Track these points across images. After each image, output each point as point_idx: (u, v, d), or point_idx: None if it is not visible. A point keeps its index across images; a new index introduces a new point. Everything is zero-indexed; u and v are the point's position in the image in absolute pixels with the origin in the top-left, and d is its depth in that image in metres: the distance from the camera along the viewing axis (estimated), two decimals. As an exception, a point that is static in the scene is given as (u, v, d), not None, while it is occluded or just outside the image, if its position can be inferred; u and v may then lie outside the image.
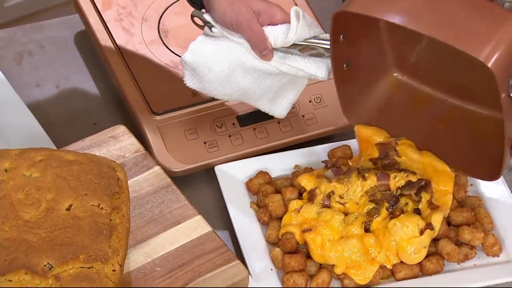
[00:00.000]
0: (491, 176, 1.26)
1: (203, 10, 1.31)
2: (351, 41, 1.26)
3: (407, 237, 1.27)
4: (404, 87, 1.35)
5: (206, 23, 1.30)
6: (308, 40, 1.27)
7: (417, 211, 1.30)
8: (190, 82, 1.33)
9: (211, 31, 1.30)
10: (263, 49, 1.26)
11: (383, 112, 1.35)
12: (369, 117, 1.35)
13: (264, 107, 1.35)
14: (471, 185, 1.38)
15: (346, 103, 1.33)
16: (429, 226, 1.28)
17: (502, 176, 1.37)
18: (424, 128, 1.34)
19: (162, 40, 1.50)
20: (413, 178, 1.32)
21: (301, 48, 1.28)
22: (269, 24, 1.27)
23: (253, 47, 1.27)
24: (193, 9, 1.33)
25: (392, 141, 1.35)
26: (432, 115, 1.33)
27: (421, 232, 1.27)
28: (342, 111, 1.33)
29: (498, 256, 1.30)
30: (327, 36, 1.26)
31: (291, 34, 1.26)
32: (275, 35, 1.27)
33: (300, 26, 1.26)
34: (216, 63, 1.29)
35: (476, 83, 1.29)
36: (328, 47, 1.26)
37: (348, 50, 1.27)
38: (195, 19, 1.33)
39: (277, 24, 1.27)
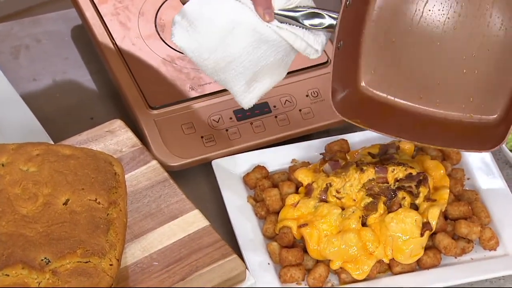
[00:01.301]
0: (492, 144, 1.23)
1: None
2: (354, 12, 1.25)
3: (406, 236, 1.27)
4: (374, 97, 1.33)
5: None
6: (311, 7, 1.26)
7: (414, 206, 1.30)
8: (182, 40, 1.26)
9: None
10: (266, 7, 1.24)
11: (363, 108, 1.32)
12: (352, 111, 1.31)
13: (238, 89, 1.30)
14: (468, 178, 1.38)
15: (335, 89, 1.29)
16: (427, 226, 1.28)
17: (499, 170, 1.37)
18: (408, 124, 1.31)
19: (159, 34, 1.49)
20: (413, 172, 1.32)
21: (301, 16, 1.25)
22: None
23: (257, 4, 1.24)
24: None
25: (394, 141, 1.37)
26: (406, 121, 1.32)
27: (421, 234, 1.27)
28: (330, 95, 1.28)
29: (495, 250, 1.30)
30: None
31: None
32: None
33: None
34: (218, 17, 1.24)
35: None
36: (332, 15, 1.24)
37: (348, 23, 1.25)
38: None
39: None
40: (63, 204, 1.18)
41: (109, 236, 1.17)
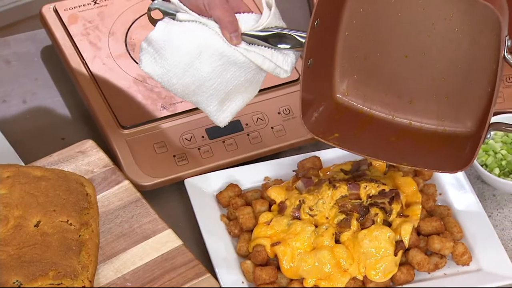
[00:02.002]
0: (461, 167, 1.23)
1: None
2: (322, 30, 1.25)
3: (379, 252, 1.27)
4: (347, 108, 1.34)
5: (166, 14, 1.26)
6: (279, 27, 1.26)
7: (387, 223, 1.30)
8: (149, 67, 1.27)
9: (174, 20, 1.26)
10: (233, 30, 1.24)
11: (333, 126, 1.32)
12: (321, 128, 1.31)
13: (211, 109, 1.30)
14: (440, 194, 1.38)
15: (305, 107, 1.29)
16: (401, 245, 1.28)
17: (470, 185, 1.38)
18: (376, 140, 1.31)
19: (129, 54, 1.49)
20: (386, 188, 1.32)
21: (269, 36, 1.25)
22: (236, 13, 1.26)
23: (223, 27, 1.24)
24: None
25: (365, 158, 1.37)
26: (381, 131, 1.32)
27: (395, 253, 1.27)
28: (300, 114, 1.28)
29: (468, 265, 1.30)
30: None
31: (263, 19, 1.25)
32: (245, 20, 1.25)
33: (272, 13, 1.25)
34: (184, 43, 1.25)
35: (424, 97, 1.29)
36: (300, 34, 1.24)
37: (317, 41, 1.25)
38: (153, 13, 1.27)
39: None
40: (35, 226, 1.18)
41: (81, 257, 1.17)
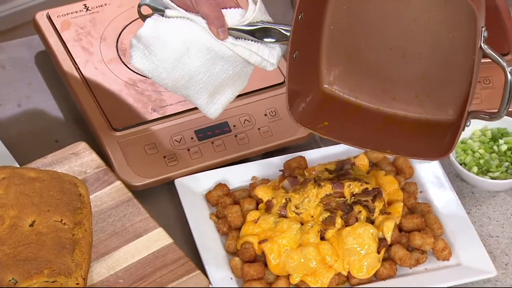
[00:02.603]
0: (442, 154, 1.24)
1: None
2: (307, 23, 1.26)
3: (362, 248, 1.28)
4: (334, 97, 1.34)
5: (156, 10, 1.27)
6: (265, 22, 1.26)
7: (370, 221, 1.31)
8: (139, 62, 1.27)
9: (163, 17, 1.27)
10: (219, 26, 1.24)
11: (321, 116, 1.32)
12: (309, 118, 1.31)
13: (202, 102, 1.31)
14: (421, 192, 1.39)
15: (291, 98, 1.29)
16: (384, 242, 1.29)
17: (450, 183, 1.39)
18: (363, 128, 1.32)
19: (120, 59, 1.50)
20: (369, 187, 1.33)
21: (255, 30, 1.26)
22: (222, 8, 1.26)
23: (210, 23, 1.25)
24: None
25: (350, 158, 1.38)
26: (367, 119, 1.32)
27: (378, 251, 1.28)
28: (287, 106, 1.28)
29: (448, 260, 1.31)
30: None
31: (249, 14, 1.25)
32: (231, 15, 1.25)
33: (258, 7, 1.26)
34: (172, 39, 1.25)
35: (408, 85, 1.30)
36: (285, 28, 1.25)
37: (301, 34, 1.26)
38: (142, 8, 1.28)
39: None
40: (29, 226, 1.17)
41: (75, 255, 1.17)
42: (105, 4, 1.56)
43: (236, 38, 1.26)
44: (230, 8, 1.26)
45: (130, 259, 1.24)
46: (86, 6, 1.55)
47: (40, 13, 1.54)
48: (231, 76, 1.29)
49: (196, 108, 1.44)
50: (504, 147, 1.42)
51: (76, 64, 1.48)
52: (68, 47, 1.50)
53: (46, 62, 1.56)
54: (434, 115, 1.30)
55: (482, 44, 1.17)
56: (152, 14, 1.27)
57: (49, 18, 1.53)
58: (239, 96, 1.45)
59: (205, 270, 1.28)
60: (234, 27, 1.25)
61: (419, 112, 1.30)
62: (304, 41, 1.27)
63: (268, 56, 1.27)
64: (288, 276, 1.28)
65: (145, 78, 1.47)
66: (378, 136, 1.30)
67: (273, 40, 1.26)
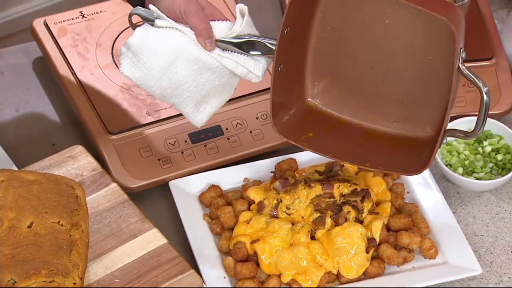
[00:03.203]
0: (419, 170, 1.25)
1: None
2: (292, 38, 1.26)
3: (352, 247, 1.28)
4: (317, 111, 1.34)
5: (146, 19, 1.27)
6: (252, 35, 1.27)
7: (358, 221, 1.32)
8: (128, 70, 1.28)
9: (152, 27, 1.27)
10: (207, 37, 1.25)
11: (304, 128, 1.33)
12: (292, 130, 1.32)
13: (188, 111, 1.31)
14: (408, 192, 1.40)
15: (275, 110, 1.30)
16: (373, 242, 1.30)
17: (436, 184, 1.40)
18: (344, 142, 1.32)
19: (115, 64, 1.50)
20: (358, 188, 1.34)
21: (242, 43, 1.26)
22: (210, 20, 1.27)
23: (198, 34, 1.25)
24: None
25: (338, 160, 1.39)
26: (349, 133, 1.33)
27: (367, 251, 1.29)
28: (270, 117, 1.29)
29: (434, 258, 1.32)
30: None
31: (236, 27, 1.26)
32: (219, 27, 1.26)
33: (245, 21, 1.26)
34: (161, 48, 1.25)
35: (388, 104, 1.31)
36: (271, 42, 1.26)
37: (287, 48, 1.27)
38: (133, 18, 1.29)
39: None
40: (28, 227, 1.17)
41: (72, 256, 1.17)
42: (101, 11, 1.56)
43: (223, 50, 1.26)
44: (218, 20, 1.26)
45: (126, 259, 1.24)
46: (82, 13, 1.56)
47: (38, 20, 1.54)
48: (217, 87, 1.29)
49: (189, 112, 1.45)
50: (488, 149, 1.43)
51: (73, 70, 1.48)
52: (65, 53, 1.50)
53: (44, 67, 1.56)
54: (413, 132, 1.30)
55: (460, 65, 1.18)
56: (142, 24, 1.27)
57: (46, 25, 1.54)
58: (231, 100, 1.45)
59: (198, 270, 1.29)
60: (221, 39, 1.26)
61: (399, 129, 1.31)
62: (289, 55, 1.28)
63: (254, 68, 1.27)
64: (279, 275, 1.29)
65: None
66: (358, 149, 1.31)
67: (259, 53, 1.27)
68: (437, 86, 1.25)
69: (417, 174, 1.25)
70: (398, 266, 1.31)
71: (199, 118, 1.31)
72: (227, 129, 1.44)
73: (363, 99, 1.32)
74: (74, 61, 1.49)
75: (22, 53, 1.59)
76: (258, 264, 1.30)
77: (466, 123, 1.45)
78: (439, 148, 1.23)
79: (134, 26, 1.28)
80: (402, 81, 1.28)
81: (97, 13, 1.56)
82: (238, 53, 1.27)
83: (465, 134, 1.23)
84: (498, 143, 1.44)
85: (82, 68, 1.49)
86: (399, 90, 1.29)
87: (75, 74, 1.48)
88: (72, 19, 1.55)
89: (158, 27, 1.26)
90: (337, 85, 1.33)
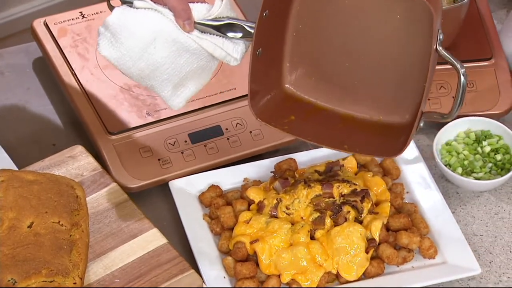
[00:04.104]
0: (395, 153, 1.25)
1: None
2: (271, 23, 1.26)
3: (351, 247, 1.28)
4: (295, 97, 1.34)
5: (125, 2, 1.26)
6: (231, 17, 1.27)
7: (358, 221, 1.32)
8: (106, 50, 1.27)
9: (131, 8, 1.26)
10: (186, 18, 1.24)
11: (282, 113, 1.32)
12: (271, 114, 1.31)
13: (166, 94, 1.30)
14: (407, 192, 1.40)
15: (253, 94, 1.28)
16: (373, 242, 1.29)
17: (435, 183, 1.39)
18: (322, 127, 1.32)
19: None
20: (357, 188, 1.33)
21: (221, 26, 1.26)
22: (189, 2, 1.26)
23: (177, 16, 1.25)
24: None
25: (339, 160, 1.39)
26: (327, 119, 1.32)
27: (367, 251, 1.29)
28: (248, 100, 1.28)
29: (434, 258, 1.32)
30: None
31: (215, 8, 1.26)
32: (198, 9, 1.26)
33: (224, 3, 1.26)
34: (139, 28, 1.25)
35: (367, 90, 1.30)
36: (250, 25, 1.25)
37: (266, 33, 1.26)
38: (112, 1, 1.28)
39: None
40: (28, 227, 1.18)
41: (72, 256, 1.17)
42: (101, 12, 1.56)
43: (202, 32, 1.26)
44: (197, 2, 1.26)
45: (126, 259, 1.24)
46: (82, 14, 1.56)
47: (38, 21, 1.54)
48: (196, 70, 1.28)
49: (189, 112, 1.45)
50: (487, 149, 1.43)
51: (73, 70, 1.48)
52: (65, 53, 1.50)
53: (44, 68, 1.56)
54: (391, 119, 1.30)
55: (437, 46, 1.17)
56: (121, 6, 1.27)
57: (46, 25, 1.53)
58: (231, 100, 1.46)
59: (198, 269, 1.29)
60: (200, 21, 1.26)
61: (376, 115, 1.30)
62: (268, 39, 1.28)
63: (232, 51, 1.27)
64: (279, 275, 1.29)
65: (140, 83, 1.47)
66: (337, 134, 1.30)
67: (238, 36, 1.26)
68: (415, 71, 1.24)
69: (394, 157, 1.24)
70: (398, 266, 1.31)
71: (177, 101, 1.31)
72: (227, 129, 1.44)
73: (341, 86, 1.31)
74: (74, 61, 1.49)
75: (22, 53, 1.59)
76: (258, 264, 1.29)
77: (466, 123, 1.45)
78: (416, 130, 1.22)
79: (112, 7, 1.27)
80: (379, 67, 1.28)
81: (97, 13, 1.56)
82: (216, 35, 1.26)
83: (441, 116, 1.22)
84: (497, 143, 1.44)
85: (82, 69, 1.49)
86: (376, 77, 1.29)
87: (75, 74, 1.48)
88: (72, 19, 1.55)
89: (137, 8, 1.25)
90: (315, 72, 1.32)
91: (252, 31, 1.25)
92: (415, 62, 1.24)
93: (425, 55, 1.19)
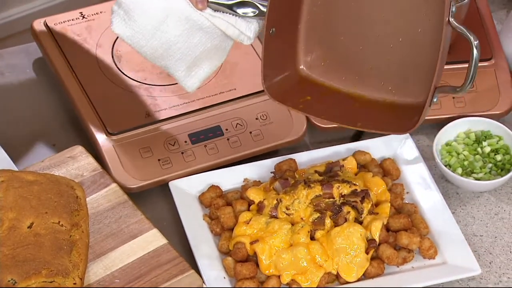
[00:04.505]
0: (407, 129, 1.25)
1: None
2: (286, 2, 1.26)
3: (351, 248, 1.28)
4: (309, 79, 1.34)
5: None
6: None
7: (358, 221, 1.32)
8: (119, 28, 1.27)
9: None
10: None
11: (297, 93, 1.32)
12: (284, 94, 1.31)
13: (180, 74, 1.30)
14: (407, 193, 1.40)
15: (266, 73, 1.29)
16: (373, 243, 1.29)
17: (435, 184, 1.39)
18: (337, 107, 1.32)
19: (116, 65, 1.50)
20: (357, 188, 1.33)
21: (234, 4, 1.26)
22: None
23: None
24: None
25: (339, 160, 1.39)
26: (342, 100, 1.33)
27: (367, 252, 1.28)
28: (262, 79, 1.28)
29: (434, 258, 1.32)
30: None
31: None
32: None
33: None
34: (152, 5, 1.25)
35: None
36: (263, 3, 1.25)
37: (280, 12, 1.26)
38: None
39: None
40: (28, 228, 1.17)
41: (72, 256, 1.17)
42: (101, 12, 1.56)
43: (215, 11, 1.26)
44: None
45: (126, 259, 1.24)
46: (82, 14, 1.56)
47: (38, 21, 1.54)
48: (209, 49, 1.28)
49: (189, 113, 1.44)
50: (487, 149, 1.43)
51: (73, 70, 1.48)
52: (65, 53, 1.50)
53: (44, 68, 1.56)
54: (406, 99, 1.29)
55: (450, 18, 1.17)
56: None
57: (46, 25, 1.53)
58: (231, 100, 1.46)
59: (198, 270, 1.29)
60: (213, 0, 1.26)
61: (390, 97, 1.30)
62: (282, 19, 1.27)
63: (245, 29, 1.27)
64: (279, 276, 1.29)
65: (140, 83, 1.47)
66: (350, 113, 1.30)
67: (251, 14, 1.26)
68: (429, 49, 1.24)
69: (405, 133, 1.25)
70: (398, 266, 1.31)
71: (191, 82, 1.31)
72: (227, 129, 1.44)
73: (355, 68, 1.31)
74: (74, 62, 1.49)
75: (22, 53, 1.59)
76: (258, 265, 1.29)
77: (466, 123, 1.45)
78: (430, 106, 1.22)
79: None
80: (393, 49, 1.28)
81: (97, 14, 1.56)
82: (229, 14, 1.26)
83: (454, 89, 1.22)
84: (497, 143, 1.44)
85: (82, 69, 1.48)
86: (390, 59, 1.29)
87: (75, 74, 1.48)
88: (72, 19, 1.54)
89: None
90: (330, 55, 1.32)
91: (264, 9, 1.25)
92: (428, 39, 1.24)
93: (438, 30, 1.18)
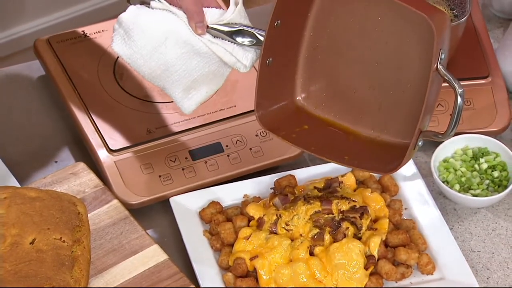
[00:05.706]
0: (390, 171, 1.24)
1: None
2: (284, 35, 1.26)
3: (350, 264, 1.28)
4: (305, 111, 1.34)
5: (143, 2, 1.28)
6: (243, 24, 1.27)
7: (356, 237, 1.32)
8: (118, 46, 1.29)
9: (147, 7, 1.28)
10: (198, 21, 1.25)
11: (289, 124, 1.32)
12: (277, 124, 1.31)
13: (177, 95, 1.31)
14: (405, 209, 1.40)
15: (259, 102, 1.29)
16: (372, 259, 1.29)
17: (433, 200, 1.39)
18: (327, 140, 1.32)
19: (117, 82, 1.50)
20: (356, 204, 1.33)
21: (233, 32, 1.26)
22: (204, 7, 1.27)
23: (190, 18, 1.26)
24: None
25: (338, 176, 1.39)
26: (333, 133, 1.32)
27: (366, 268, 1.28)
28: (255, 108, 1.28)
29: (432, 274, 1.32)
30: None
31: (228, 14, 1.26)
32: (211, 13, 1.27)
33: (238, 10, 1.26)
34: (152, 27, 1.26)
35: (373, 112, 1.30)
36: (261, 33, 1.26)
37: (278, 43, 1.27)
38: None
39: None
40: (30, 244, 1.17)
41: (74, 272, 1.17)
42: (102, 31, 1.56)
43: (214, 37, 1.27)
44: (212, 7, 1.27)
45: (127, 275, 1.24)
46: (84, 33, 1.56)
47: (41, 39, 1.55)
48: (207, 74, 1.29)
49: (190, 129, 1.45)
50: (484, 166, 1.43)
51: (75, 88, 1.48)
52: (67, 71, 1.50)
53: (46, 86, 1.56)
54: (397, 140, 1.29)
55: (438, 65, 1.17)
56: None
57: (49, 43, 1.54)
58: (231, 117, 1.46)
59: (199, 285, 1.29)
60: (213, 26, 1.26)
61: (382, 135, 1.30)
62: (280, 50, 1.28)
63: (242, 57, 1.28)
64: (278, 291, 1.29)
65: (141, 100, 1.48)
66: (338, 147, 1.30)
67: (249, 43, 1.27)
68: (420, 94, 1.23)
69: (388, 174, 1.25)
70: (396, 282, 1.31)
71: (188, 104, 1.31)
72: (227, 146, 1.44)
73: (351, 106, 1.31)
74: (77, 80, 1.49)
75: (25, 71, 1.59)
76: (257, 280, 1.29)
77: (463, 140, 1.45)
78: (413, 149, 1.22)
79: (129, 2, 1.29)
80: (387, 88, 1.28)
81: (99, 32, 1.56)
82: (228, 41, 1.27)
83: (437, 135, 1.22)
84: (494, 160, 1.44)
85: (84, 86, 1.49)
86: (384, 102, 1.29)
87: (78, 92, 1.48)
88: (74, 38, 1.55)
89: (153, 8, 1.26)
90: (328, 88, 1.32)
91: (262, 39, 1.25)
92: (422, 84, 1.24)
93: (427, 76, 1.19)
